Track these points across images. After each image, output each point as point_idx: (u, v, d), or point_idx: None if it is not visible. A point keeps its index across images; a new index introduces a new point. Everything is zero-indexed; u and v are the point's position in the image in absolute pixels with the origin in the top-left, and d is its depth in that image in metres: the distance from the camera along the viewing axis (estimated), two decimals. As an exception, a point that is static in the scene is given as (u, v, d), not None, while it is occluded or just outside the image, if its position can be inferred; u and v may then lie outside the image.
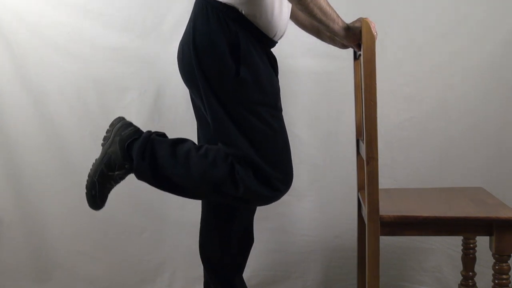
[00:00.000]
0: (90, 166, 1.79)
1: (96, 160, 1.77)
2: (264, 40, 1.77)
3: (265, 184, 1.70)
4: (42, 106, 2.51)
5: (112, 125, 1.81)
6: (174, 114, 2.51)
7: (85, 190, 1.78)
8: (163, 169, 1.72)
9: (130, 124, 1.80)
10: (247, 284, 2.04)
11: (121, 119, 1.82)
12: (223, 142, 1.72)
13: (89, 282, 2.53)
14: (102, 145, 1.79)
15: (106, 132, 1.81)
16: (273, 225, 2.53)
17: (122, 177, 1.78)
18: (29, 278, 2.54)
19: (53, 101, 2.52)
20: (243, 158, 1.69)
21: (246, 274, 2.09)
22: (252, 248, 2.01)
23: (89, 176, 1.77)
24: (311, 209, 2.52)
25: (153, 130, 1.83)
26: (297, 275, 2.53)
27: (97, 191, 1.75)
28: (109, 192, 1.79)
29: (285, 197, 1.84)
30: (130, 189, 2.53)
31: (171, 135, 2.48)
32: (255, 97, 1.69)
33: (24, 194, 2.55)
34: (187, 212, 2.48)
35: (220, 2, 1.70)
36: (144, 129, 2.53)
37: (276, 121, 1.74)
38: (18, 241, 2.55)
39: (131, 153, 1.74)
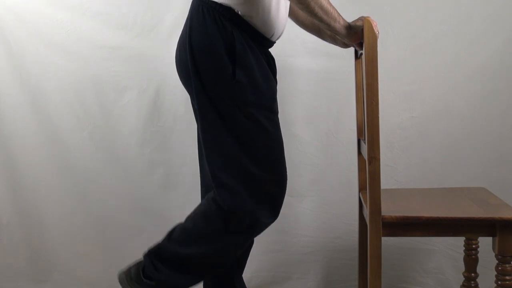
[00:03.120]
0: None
1: None
2: (261, 41, 1.76)
3: (263, 201, 1.72)
4: (40, 105, 2.50)
5: (121, 282, 1.82)
6: (174, 113, 2.50)
7: None
8: (179, 261, 1.75)
9: (129, 269, 1.82)
10: (247, 285, 2.03)
11: (120, 273, 1.83)
12: (211, 151, 1.71)
13: (88, 283, 2.51)
14: None
15: None
16: (273, 226, 2.50)
17: None
18: (28, 279, 2.53)
19: (51, 100, 2.50)
20: (232, 175, 1.68)
21: (246, 275, 2.08)
22: (252, 248, 2.00)
23: None
24: (311, 209, 2.50)
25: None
26: (297, 276, 2.51)
27: None
28: None
29: (285, 198, 1.82)
30: (129, 189, 2.53)
31: (170, 134, 2.49)
32: (250, 98, 1.67)
33: (22, 194, 2.53)
34: (187, 212, 2.44)
35: (216, 2, 1.68)
36: (143, 127, 2.52)
37: (271, 124, 1.72)
38: (17, 242, 2.54)
39: (149, 279, 1.76)
